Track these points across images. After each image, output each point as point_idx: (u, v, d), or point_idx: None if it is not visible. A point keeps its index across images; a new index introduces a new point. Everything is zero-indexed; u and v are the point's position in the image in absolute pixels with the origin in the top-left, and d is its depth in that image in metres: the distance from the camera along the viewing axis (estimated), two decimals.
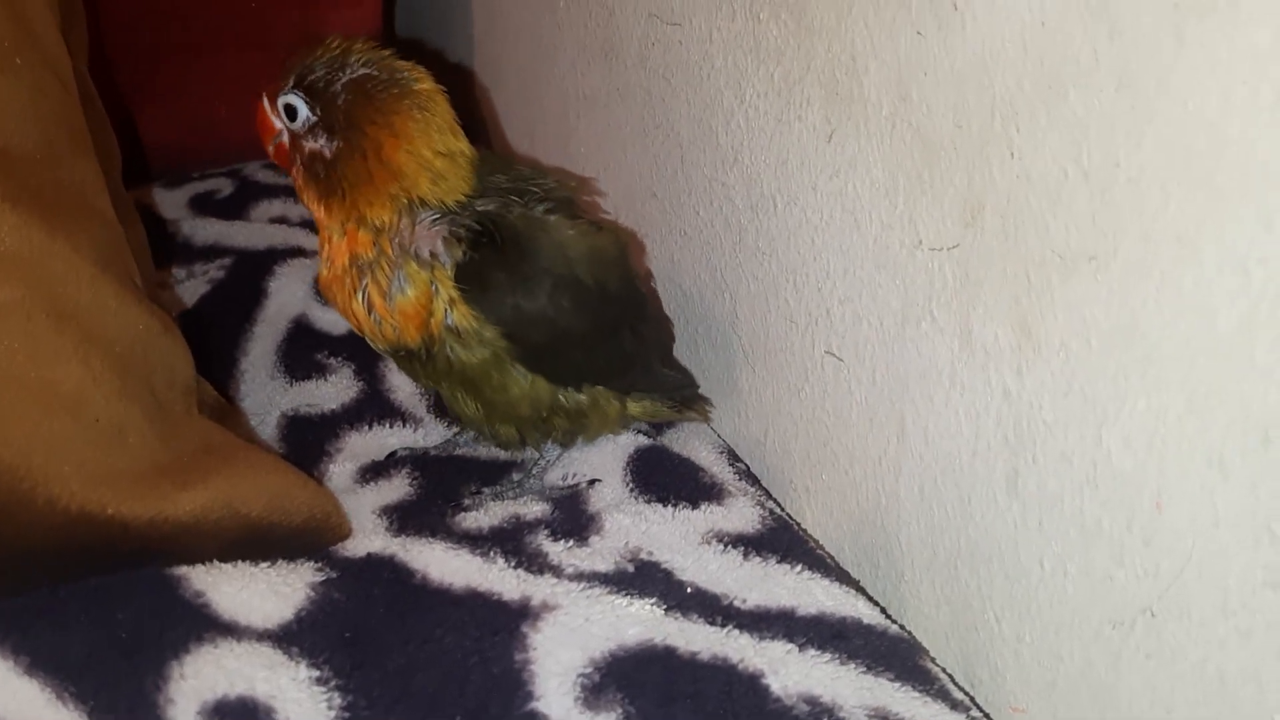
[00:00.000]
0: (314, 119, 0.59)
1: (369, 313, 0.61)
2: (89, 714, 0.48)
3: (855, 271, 0.63)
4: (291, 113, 0.60)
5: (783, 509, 0.71)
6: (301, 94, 0.59)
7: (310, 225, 0.95)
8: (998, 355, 0.54)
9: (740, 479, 0.72)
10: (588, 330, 0.64)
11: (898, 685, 0.55)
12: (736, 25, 0.69)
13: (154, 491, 0.57)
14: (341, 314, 0.63)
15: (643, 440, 0.73)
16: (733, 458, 0.75)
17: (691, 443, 0.76)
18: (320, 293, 0.64)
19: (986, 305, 0.54)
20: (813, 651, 0.56)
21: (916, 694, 0.54)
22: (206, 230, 0.94)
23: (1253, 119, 0.40)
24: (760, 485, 0.73)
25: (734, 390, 0.78)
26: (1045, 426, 0.52)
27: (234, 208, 0.99)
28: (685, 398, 0.75)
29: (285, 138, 0.61)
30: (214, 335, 0.81)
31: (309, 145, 0.60)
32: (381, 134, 0.59)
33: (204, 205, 1.00)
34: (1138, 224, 0.45)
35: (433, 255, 0.59)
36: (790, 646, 0.56)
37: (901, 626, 0.61)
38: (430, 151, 0.59)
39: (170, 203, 1.00)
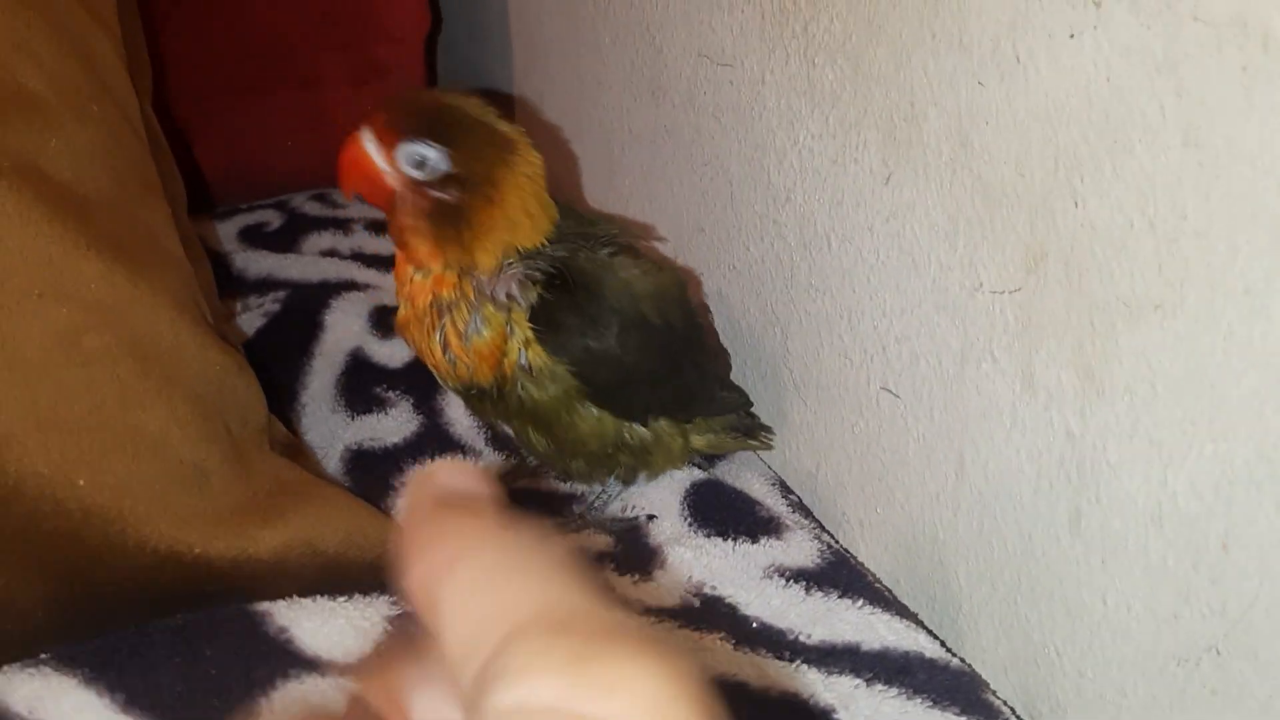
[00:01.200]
0: (447, 170, 0.60)
1: (444, 352, 0.62)
2: None
3: (913, 311, 0.64)
4: (417, 161, 0.60)
5: (838, 542, 0.72)
6: (436, 144, 0.60)
7: (362, 258, 0.96)
8: (1060, 397, 0.55)
9: (794, 512, 0.74)
10: (654, 367, 0.67)
11: (963, 719, 0.56)
12: (790, 69, 0.71)
13: (236, 531, 0.59)
14: (418, 353, 0.64)
15: (697, 474, 0.74)
16: (784, 490, 0.77)
17: (744, 475, 0.77)
18: (397, 331, 0.65)
19: (1049, 348, 0.55)
20: (880, 686, 0.57)
21: None
22: (259, 263, 0.96)
23: None
24: (814, 518, 0.75)
25: (784, 423, 0.79)
26: (1109, 468, 0.53)
27: (285, 240, 1.01)
28: (747, 427, 0.77)
29: (391, 180, 0.61)
30: (272, 369, 0.82)
31: (435, 194, 0.60)
32: (508, 187, 0.61)
33: (254, 238, 1.02)
34: (1205, 275, 0.47)
35: (509, 297, 0.61)
36: (858, 682, 0.57)
37: (963, 660, 0.62)
38: (536, 203, 0.62)
39: (221, 235, 1.02)
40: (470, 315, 0.61)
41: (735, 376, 0.84)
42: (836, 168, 0.68)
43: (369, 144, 0.61)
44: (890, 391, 0.67)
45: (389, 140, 0.60)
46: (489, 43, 1.21)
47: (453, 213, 0.61)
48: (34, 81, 0.63)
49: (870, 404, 0.69)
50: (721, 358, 0.82)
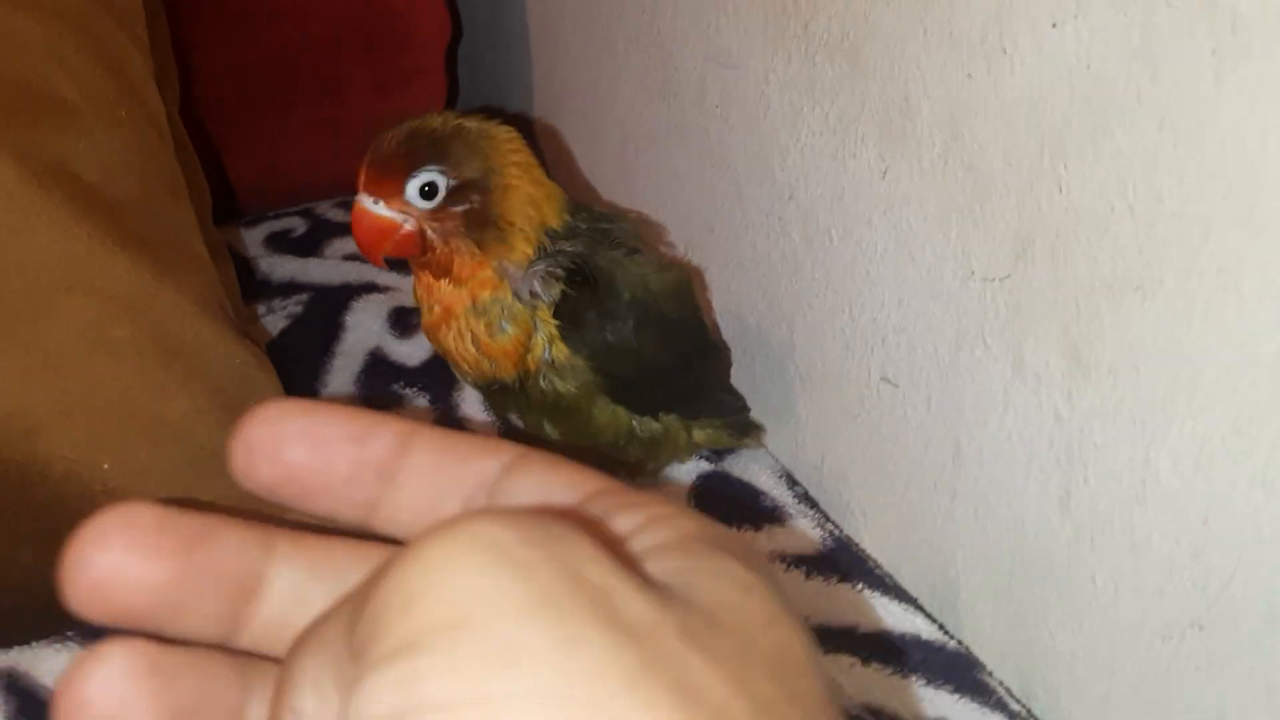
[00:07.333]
0: (454, 183, 0.61)
1: (476, 350, 0.64)
2: None
3: (910, 301, 0.65)
4: (429, 191, 0.60)
5: (841, 530, 0.73)
6: (435, 167, 0.60)
7: (384, 261, 0.99)
8: (1049, 381, 0.56)
9: (799, 502, 0.75)
10: (670, 362, 0.69)
11: (957, 698, 0.57)
12: (793, 68, 0.72)
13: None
14: (445, 353, 0.66)
15: (705, 466, 0.76)
16: (791, 481, 0.78)
17: (751, 468, 0.79)
18: (425, 335, 0.67)
19: (1037, 333, 0.56)
20: (875, 665, 0.58)
21: (975, 706, 0.57)
22: (284, 267, 0.99)
23: None
24: (819, 508, 0.76)
25: (791, 416, 0.81)
26: (1095, 448, 0.54)
27: (309, 245, 1.03)
28: (742, 425, 0.79)
29: (411, 225, 0.61)
30: (295, 368, 0.85)
31: (459, 209, 0.61)
32: (509, 169, 0.63)
33: (280, 243, 1.05)
34: (1181, 256, 0.48)
35: (533, 294, 0.63)
36: (853, 660, 0.58)
37: (959, 642, 0.63)
38: (544, 179, 0.65)
39: (247, 241, 1.05)
40: (500, 313, 0.63)
41: (744, 373, 0.86)
42: (836, 163, 0.70)
43: (372, 205, 0.61)
44: (889, 381, 0.69)
45: (390, 190, 0.60)
46: (509, 51, 1.23)
47: (481, 215, 0.62)
48: (65, 88, 0.66)
49: (871, 394, 0.71)
50: (724, 355, 0.84)
